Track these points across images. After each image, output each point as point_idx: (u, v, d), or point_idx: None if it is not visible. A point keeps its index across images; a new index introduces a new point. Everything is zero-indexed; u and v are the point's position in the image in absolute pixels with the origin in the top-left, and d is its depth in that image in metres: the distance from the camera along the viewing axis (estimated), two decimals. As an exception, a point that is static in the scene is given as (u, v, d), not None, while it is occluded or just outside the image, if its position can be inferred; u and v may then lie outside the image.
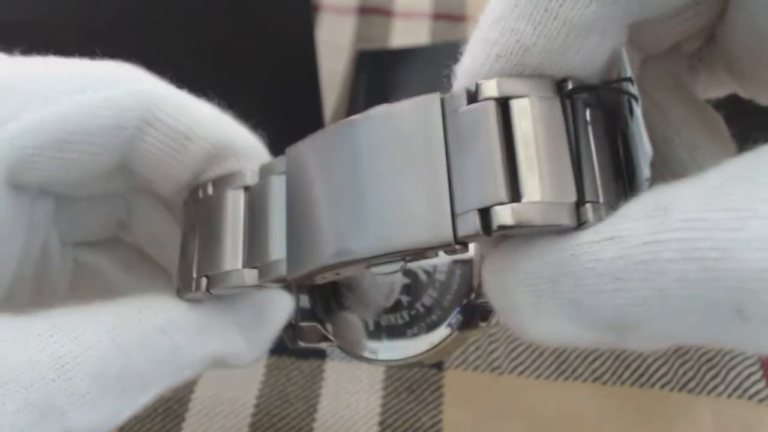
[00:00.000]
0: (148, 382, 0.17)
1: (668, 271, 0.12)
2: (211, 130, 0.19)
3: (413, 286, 0.21)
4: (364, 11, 0.50)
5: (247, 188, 0.18)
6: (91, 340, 0.16)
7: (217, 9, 0.32)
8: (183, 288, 0.19)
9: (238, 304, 0.19)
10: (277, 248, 0.17)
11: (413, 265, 0.21)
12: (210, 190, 0.19)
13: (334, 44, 0.46)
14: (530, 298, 0.14)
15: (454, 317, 0.20)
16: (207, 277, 0.18)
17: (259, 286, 0.17)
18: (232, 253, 0.18)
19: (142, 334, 0.17)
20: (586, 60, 0.15)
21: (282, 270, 0.17)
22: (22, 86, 0.17)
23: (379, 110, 0.16)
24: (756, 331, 0.11)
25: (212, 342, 0.18)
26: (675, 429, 0.29)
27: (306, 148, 0.17)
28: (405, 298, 0.21)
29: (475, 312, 0.20)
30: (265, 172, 0.18)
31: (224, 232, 0.18)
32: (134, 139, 0.18)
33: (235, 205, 0.18)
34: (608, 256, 0.13)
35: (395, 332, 0.20)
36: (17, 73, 0.17)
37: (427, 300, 0.20)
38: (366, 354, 0.21)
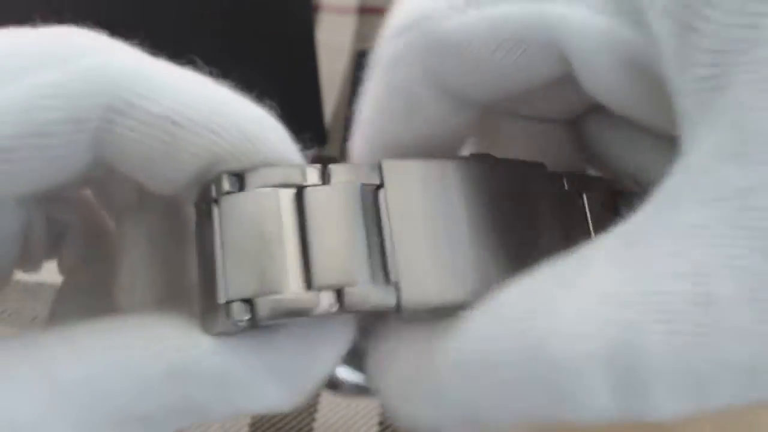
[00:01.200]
0: (147, 425, 0.14)
1: (505, 364, 0.13)
2: (207, 111, 0.15)
3: None
4: (364, 11, 0.50)
5: (299, 189, 0.15)
6: (72, 389, 0.13)
7: (217, 9, 0.32)
8: (208, 316, 0.15)
9: (280, 339, 0.15)
10: (363, 268, 0.15)
11: None
12: (227, 185, 0.15)
13: (334, 44, 0.46)
14: (397, 388, 0.15)
15: None
16: (248, 302, 0.14)
17: (329, 315, 0.14)
18: (291, 270, 0.14)
19: (145, 378, 0.14)
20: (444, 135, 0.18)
21: (391, 299, 0.14)
22: None
23: None
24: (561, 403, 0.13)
25: (237, 397, 0.15)
26: (675, 429, 0.28)
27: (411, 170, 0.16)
28: None
29: None
30: (319, 174, 0.15)
31: (271, 242, 0.14)
32: (102, 133, 0.14)
33: (285, 207, 0.15)
34: (455, 347, 0.14)
35: None
36: None
37: None
38: None
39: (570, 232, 0.17)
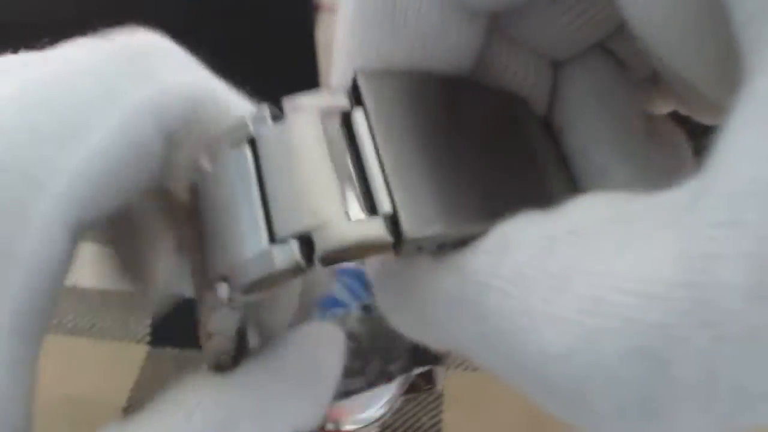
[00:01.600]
0: None
1: (490, 320, 0.11)
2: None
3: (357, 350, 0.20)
4: (364, 11, 0.50)
5: (252, 140, 0.13)
6: None
7: (217, 10, 0.32)
8: (206, 291, 0.13)
9: (287, 366, 0.15)
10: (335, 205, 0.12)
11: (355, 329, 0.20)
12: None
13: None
14: (391, 300, 0.14)
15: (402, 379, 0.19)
16: (224, 279, 0.12)
17: (302, 270, 0.12)
18: (250, 230, 0.12)
19: None
20: (449, 53, 0.14)
21: (385, 232, 0.12)
22: (47, 125, 0.14)
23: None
24: (562, 410, 0.10)
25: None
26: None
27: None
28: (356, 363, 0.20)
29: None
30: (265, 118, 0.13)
31: (234, 207, 0.13)
32: (178, 140, 0.15)
33: (239, 167, 0.13)
34: (446, 284, 0.12)
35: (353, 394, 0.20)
36: (34, 121, 0.14)
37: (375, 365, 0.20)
38: (330, 427, 0.19)
39: (552, 171, 0.15)
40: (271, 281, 0.12)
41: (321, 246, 0.11)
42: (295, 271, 0.12)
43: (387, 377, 0.20)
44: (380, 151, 0.12)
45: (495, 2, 0.14)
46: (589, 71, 0.16)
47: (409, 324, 0.14)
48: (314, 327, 0.16)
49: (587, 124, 0.16)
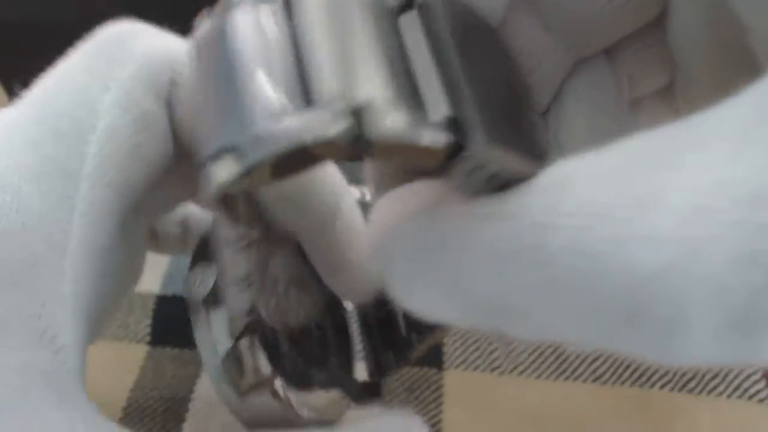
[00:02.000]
0: None
1: (558, 262, 0.10)
2: None
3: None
4: (364, 11, 0.50)
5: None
6: None
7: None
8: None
9: None
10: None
11: None
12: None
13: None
14: (407, 264, 0.12)
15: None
16: (233, 149, 0.09)
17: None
18: (278, 91, 0.09)
19: None
20: None
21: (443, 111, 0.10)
22: (63, 123, 0.16)
23: None
24: (647, 341, 0.10)
25: None
26: (675, 429, 0.29)
27: None
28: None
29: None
30: None
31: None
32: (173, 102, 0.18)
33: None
34: (496, 235, 0.10)
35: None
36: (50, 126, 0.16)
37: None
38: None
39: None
40: (307, 156, 0.09)
41: (370, 129, 0.09)
42: (345, 145, 0.09)
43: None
44: (437, 52, 0.10)
45: None
46: (590, 88, 0.16)
47: (433, 294, 0.12)
48: (400, 419, 0.16)
49: (575, 139, 0.15)
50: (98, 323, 0.18)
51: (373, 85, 0.09)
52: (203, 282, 0.18)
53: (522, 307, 0.11)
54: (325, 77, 0.09)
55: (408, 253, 0.12)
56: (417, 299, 0.12)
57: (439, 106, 0.10)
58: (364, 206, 0.18)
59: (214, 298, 0.18)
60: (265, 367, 0.17)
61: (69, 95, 0.16)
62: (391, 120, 0.09)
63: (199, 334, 0.18)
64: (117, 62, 0.17)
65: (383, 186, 0.13)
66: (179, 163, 0.19)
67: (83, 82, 0.17)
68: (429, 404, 0.29)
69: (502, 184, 0.10)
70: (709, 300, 0.09)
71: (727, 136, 0.09)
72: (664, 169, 0.09)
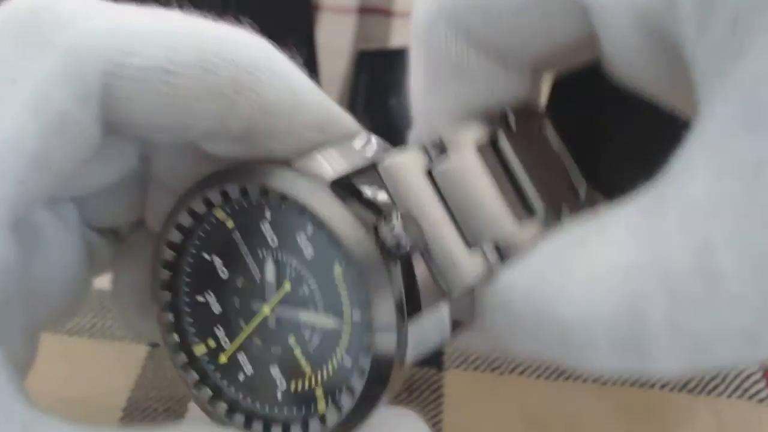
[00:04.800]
0: None
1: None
2: (199, 50, 0.14)
3: None
4: (364, 11, 0.50)
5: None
6: None
7: (217, 10, 0.32)
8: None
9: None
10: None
11: None
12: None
13: (334, 44, 0.46)
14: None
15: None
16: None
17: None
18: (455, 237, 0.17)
19: None
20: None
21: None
22: None
23: None
24: (569, 355, 0.15)
25: None
26: (675, 429, 0.29)
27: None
28: None
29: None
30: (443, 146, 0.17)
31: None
32: (108, 102, 0.14)
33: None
34: (491, 291, 0.16)
35: None
36: None
37: None
38: None
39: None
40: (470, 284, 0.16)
41: (507, 252, 0.16)
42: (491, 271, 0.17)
43: None
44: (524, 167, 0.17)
45: (529, 51, 0.17)
46: None
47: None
48: (396, 416, 0.17)
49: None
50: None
51: (501, 220, 0.17)
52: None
53: (507, 342, 0.17)
54: (469, 228, 0.17)
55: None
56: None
57: (537, 206, 0.18)
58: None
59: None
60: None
61: None
62: (518, 241, 0.17)
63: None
64: (29, 52, 0.13)
65: None
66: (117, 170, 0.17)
67: None
68: (429, 404, 0.29)
69: None
70: (604, 333, 0.14)
71: (619, 227, 0.14)
72: (577, 247, 0.15)
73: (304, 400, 0.17)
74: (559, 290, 0.14)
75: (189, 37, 0.14)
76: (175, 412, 0.29)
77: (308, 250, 0.16)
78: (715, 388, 0.29)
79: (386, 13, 0.50)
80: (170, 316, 0.19)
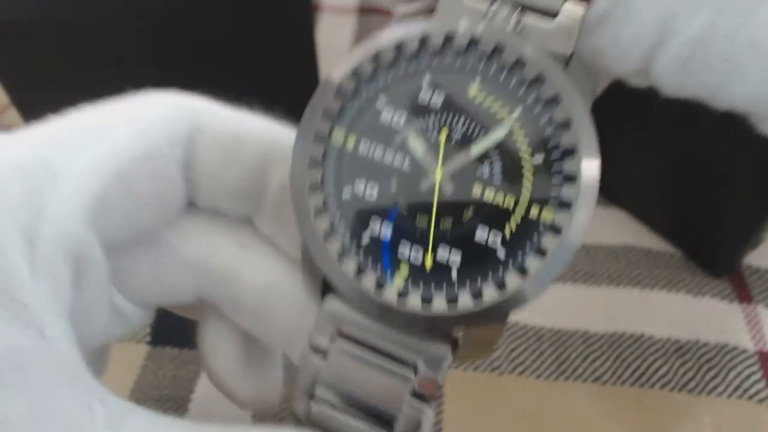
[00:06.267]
0: None
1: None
2: (261, 125, 0.18)
3: None
4: (364, 11, 0.50)
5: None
6: None
7: (217, 10, 0.32)
8: None
9: None
10: None
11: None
12: None
13: (334, 44, 0.46)
14: None
15: None
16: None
17: None
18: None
19: None
20: None
21: None
22: (68, 138, 0.16)
23: None
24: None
25: None
26: (675, 429, 0.29)
27: None
28: None
29: None
30: None
31: None
32: (190, 152, 0.18)
33: None
34: None
35: None
36: (56, 131, 0.16)
37: None
38: None
39: None
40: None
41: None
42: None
43: None
44: None
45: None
46: None
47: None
48: None
49: None
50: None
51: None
52: None
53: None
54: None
55: None
56: None
57: None
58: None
59: None
60: None
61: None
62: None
63: None
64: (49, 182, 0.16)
65: None
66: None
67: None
68: (429, 404, 0.29)
69: None
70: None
71: None
72: None
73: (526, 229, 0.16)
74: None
75: (253, 118, 0.19)
76: (174, 412, 0.29)
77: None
78: (715, 387, 0.29)
79: (386, 13, 0.50)
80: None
